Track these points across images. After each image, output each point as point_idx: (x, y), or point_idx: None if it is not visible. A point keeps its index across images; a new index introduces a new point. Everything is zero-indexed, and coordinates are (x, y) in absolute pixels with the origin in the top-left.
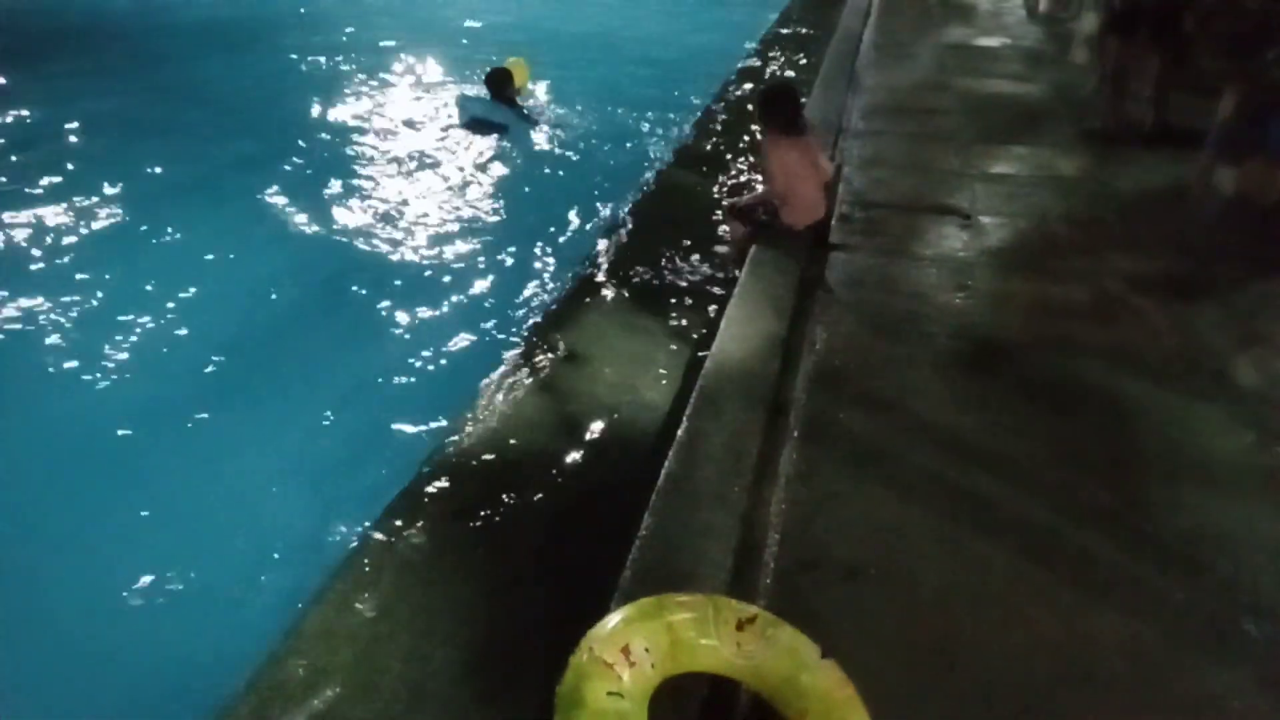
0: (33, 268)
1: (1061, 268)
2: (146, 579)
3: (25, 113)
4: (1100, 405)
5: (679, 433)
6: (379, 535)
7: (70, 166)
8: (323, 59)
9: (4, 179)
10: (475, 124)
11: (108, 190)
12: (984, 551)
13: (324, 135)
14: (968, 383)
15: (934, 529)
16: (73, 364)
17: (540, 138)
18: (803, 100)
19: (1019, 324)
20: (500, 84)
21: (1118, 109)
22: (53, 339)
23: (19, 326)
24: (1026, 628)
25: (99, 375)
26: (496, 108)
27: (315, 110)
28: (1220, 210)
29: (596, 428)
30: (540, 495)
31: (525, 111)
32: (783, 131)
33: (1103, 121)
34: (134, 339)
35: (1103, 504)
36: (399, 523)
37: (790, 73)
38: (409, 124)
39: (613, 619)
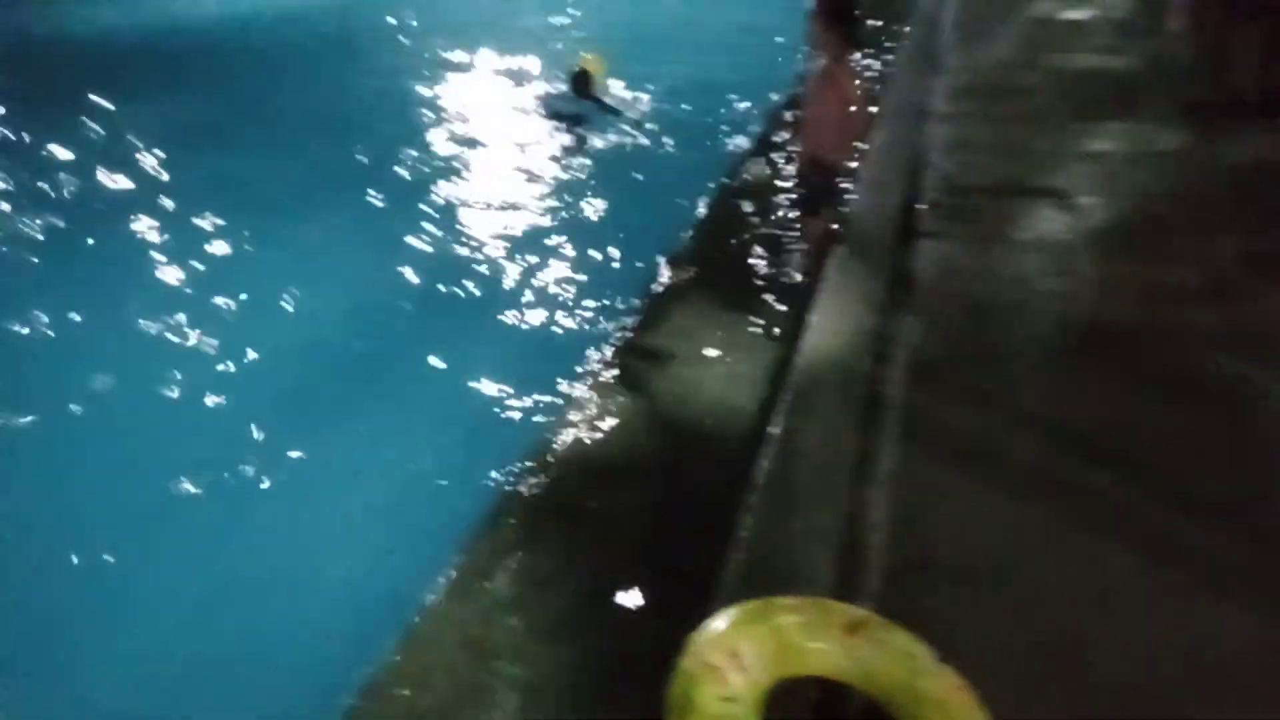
0: (130, 281)
1: (1169, 248)
2: (253, 585)
3: (111, 132)
4: (1217, 393)
5: (775, 430)
6: (483, 538)
7: (157, 183)
8: (405, 68)
9: (93, 196)
10: (560, 123)
11: (196, 205)
12: (1100, 549)
13: (408, 143)
14: (1074, 373)
15: (1046, 526)
16: (166, 377)
17: (622, 135)
18: None
19: (1127, 309)
20: (583, 82)
21: (1220, 77)
22: (149, 352)
23: (120, 339)
24: (1148, 628)
25: (192, 390)
26: (580, 105)
27: (399, 118)
28: None
29: (689, 427)
30: (638, 495)
31: (608, 107)
32: (848, 42)
33: (1204, 93)
34: (228, 350)
35: (1224, 497)
36: (502, 525)
37: (872, 58)
38: (493, 127)
39: (719, 622)
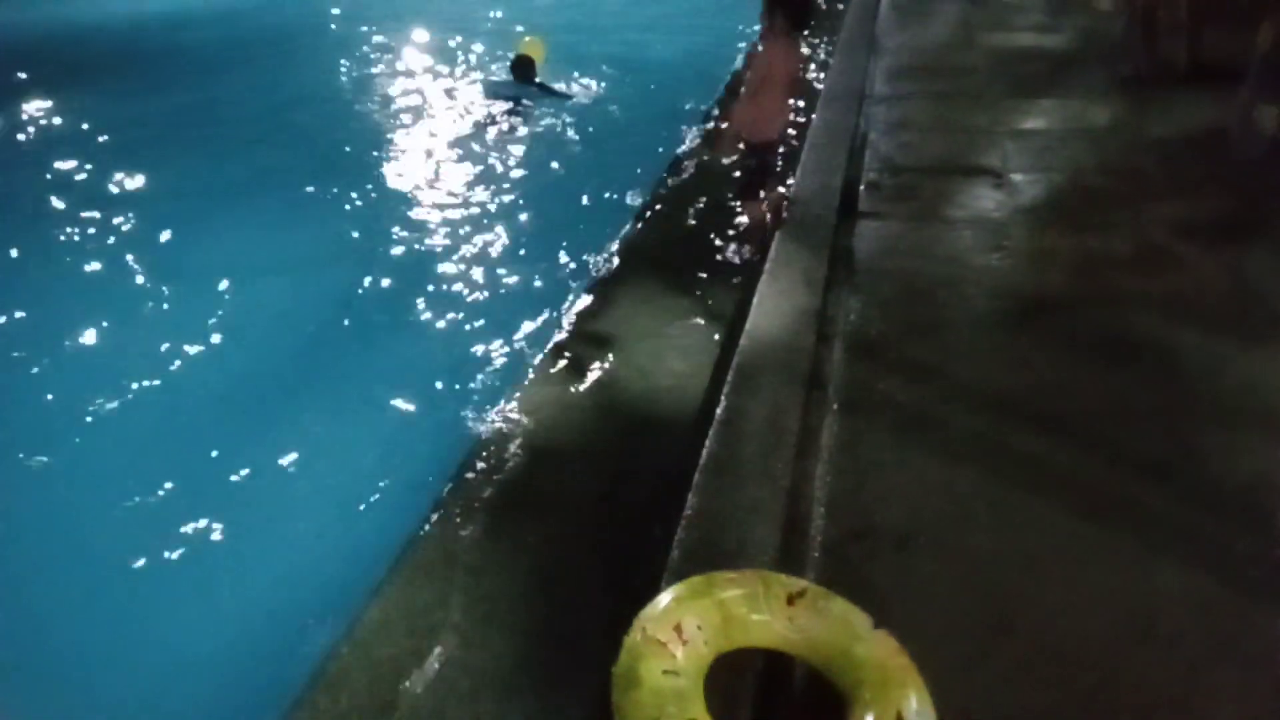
0: (79, 281)
1: (1101, 220)
2: (203, 579)
3: (58, 134)
4: (1150, 356)
5: (718, 410)
6: (429, 529)
7: (101, 183)
8: (340, 61)
9: (38, 199)
10: (500, 108)
11: (140, 205)
12: (1038, 512)
13: (347, 136)
14: (1011, 343)
15: (984, 492)
16: (113, 376)
17: (563, 119)
18: None
19: (1061, 280)
20: (524, 67)
21: (1149, 49)
22: (91, 352)
23: (59, 342)
24: (1086, 586)
25: (142, 385)
26: (521, 89)
27: (338, 112)
28: (1263, 149)
29: (635, 410)
30: (584, 480)
31: (550, 91)
32: (793, 25)
33: (1134, 64)
34: (169, 350)
35: (1158, 456)
36: (448, 515)
37: (814, 40)
38: (431, 116)
39: (664, 598)
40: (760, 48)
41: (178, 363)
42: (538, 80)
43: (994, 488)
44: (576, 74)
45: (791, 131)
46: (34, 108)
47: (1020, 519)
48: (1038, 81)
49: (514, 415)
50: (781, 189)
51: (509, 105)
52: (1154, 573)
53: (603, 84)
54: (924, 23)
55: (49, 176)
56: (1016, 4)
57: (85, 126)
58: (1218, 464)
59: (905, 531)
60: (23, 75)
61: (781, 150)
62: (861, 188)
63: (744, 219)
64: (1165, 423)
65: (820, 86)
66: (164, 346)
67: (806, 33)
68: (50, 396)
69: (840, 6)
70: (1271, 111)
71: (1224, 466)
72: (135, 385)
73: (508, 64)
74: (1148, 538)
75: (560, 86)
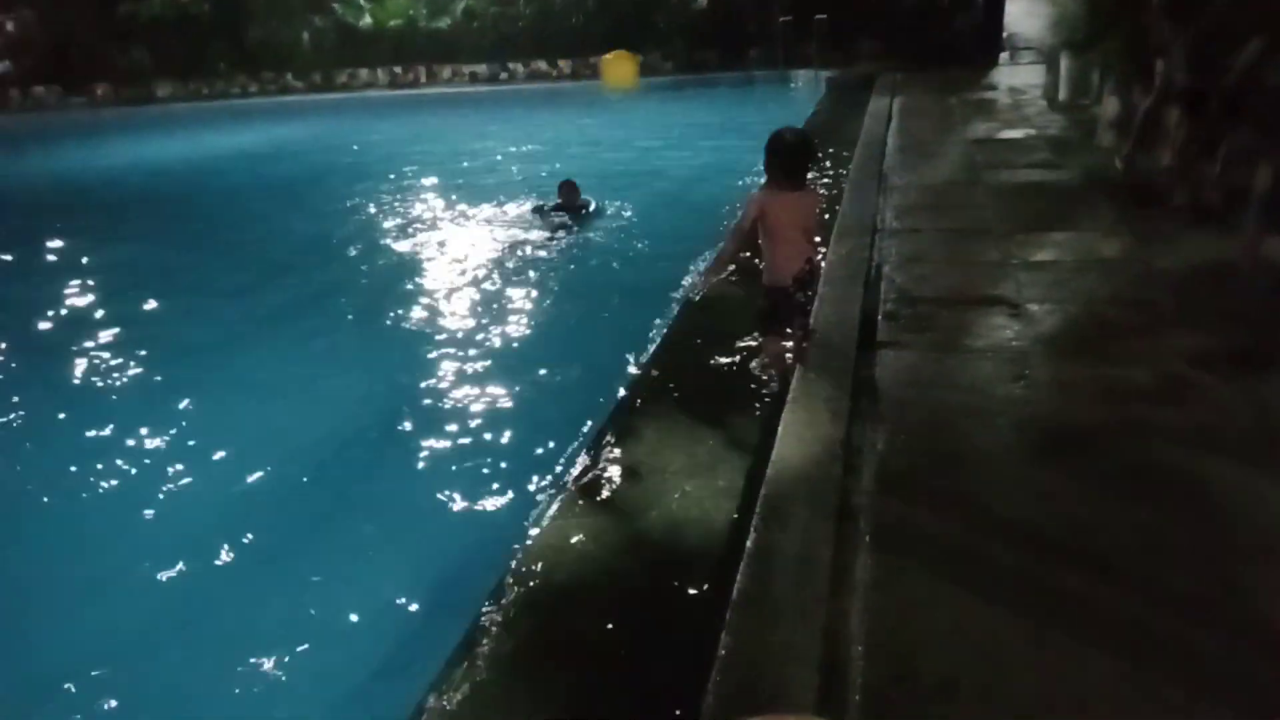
0: (98, 409)
1: (1119, 350)
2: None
3: (88, 278)
4: (1181, 489)
5: (748, 544)
6: (456, 669)
7: (122, 323)
8: (371, 196)
9: (60, 340)
10: (529, 238)
11: (167, 342)
12: (1081, 654)
13: (376, 271)
14: (1039, 475)
15: (1024, 631)
16: (133, 505)
17: (586, 252)
18: (815, 155)
19: (1084, 410)
20: (567, 192)
21: (1150, 189)
22: (109, 481)
23: (79, 469)
24: None
25: (157, 514)
26: (558, 217)
27: (362, 249)
28: (1273, 281)
29: (661, 543)
30: (613, 617)
31: (585, 217)
32: (785, 177)
33: (1135, 202)
34: (185, 481)
35: (1199, 594)
36: (472, 661)
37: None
38: (459, 247)
39: None
40: (753, 193)
41: (199, 489)
42: (578, 206)
43: (1033, 627)
44: (612, 211)
45: (808, 269)
46: (68, 251)
47: (1064, 662)
48: (1046, 216)
49: (539, 551)
50: (802, 329)
51: (539, 235)
52: (1205, 716)
53: (620, 223)
54: (930, 162)
55: (56, 313)
56: (1020, 142)
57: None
58: (1262, 602)
59: (947, 675)
60: (55, 220)
61: (797, 290)
62: (880, 318)
63: (765, 351)
64: (1203, 559)
65: (833, 223)
66: (185, 480)
67: (812, 178)
68: (73, 521)
69: (846, 154)
70: (1276, 244)
71: (1268, 604)
72: (160, 508)
73: (556, 189)
74: (1195, 680)
75: (589, 219)
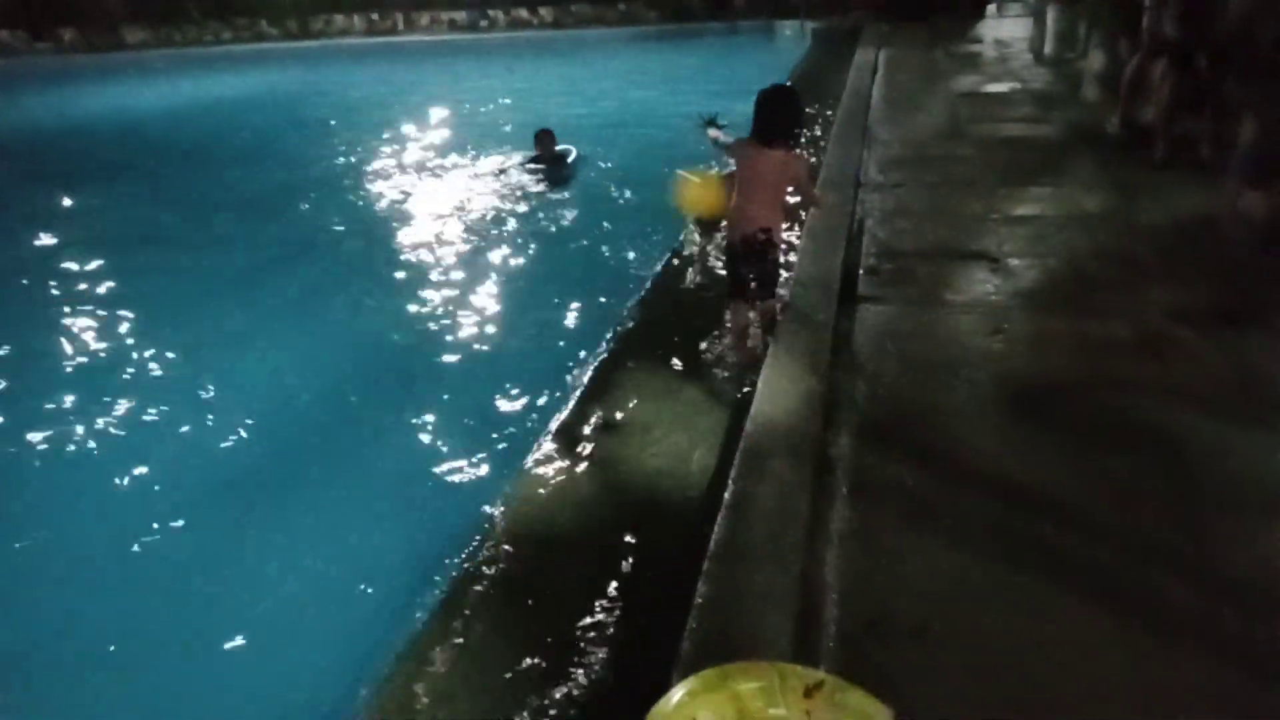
0: (87, 372)
1: (1099, 304)
2: (191, 676)
3: (59, 231)
4: (1155, 441)
5: (727, 495)
6: (433, 620)
7: (92, 277)
8: (349, 150)
9: (44, 292)
10: (509, 193)
11: (142, 299)
12: (1050, 599)
13: (353, 224)
14: (1015, 427)
15: (996, 579)
16: (114, 468)
17: (573, 206)
18: (793, 115)
19: (1062, 364)
20: (545, 141)
21: (1135, 142)
22: (95, 443)
23: (60, 432)
24: (1102, 676)
25: (143, 477)
26: (539, 166)
27: (336, 203)
28: (1254, 235)
29: (641, 495)
30: (592, 567)
31: (565, 171)
32: (755, 133)
33: (1120, 156)
34: (172, 438)
35: (1168, 542)
36: (454, 606)
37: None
38: (438, 201)
39: (676, 693)
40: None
41: (173, 448)
42: (556, 157)
43: (1006, 574)
44: (593, 159)
45: (763, 236)
46: (39, 203)
47: (1034, 606)
48: (1029, 170)
49: (521, 504)
50: (761, 300)
51: (516, 186)
52: (1171, 661)
53: (617, 169)
54: (914, 115)
55: (59, 266)
56: (1006, 96)
57: (97, 222)
58: (1228, 551)
59: (920, 619)
60: (29, 169)
61: (747, 255)
62: (861, 272)
63: (750, 306)
64: (1173, 509)
65: (817, 176)
66: (161, 438)
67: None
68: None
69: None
70: (1258, 199)
71: (1234, 553)
72: (139, 472)
73: (535, 135)
74: (1162, 625)
75: (570, 170)
